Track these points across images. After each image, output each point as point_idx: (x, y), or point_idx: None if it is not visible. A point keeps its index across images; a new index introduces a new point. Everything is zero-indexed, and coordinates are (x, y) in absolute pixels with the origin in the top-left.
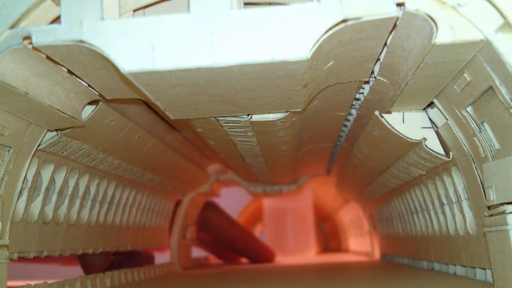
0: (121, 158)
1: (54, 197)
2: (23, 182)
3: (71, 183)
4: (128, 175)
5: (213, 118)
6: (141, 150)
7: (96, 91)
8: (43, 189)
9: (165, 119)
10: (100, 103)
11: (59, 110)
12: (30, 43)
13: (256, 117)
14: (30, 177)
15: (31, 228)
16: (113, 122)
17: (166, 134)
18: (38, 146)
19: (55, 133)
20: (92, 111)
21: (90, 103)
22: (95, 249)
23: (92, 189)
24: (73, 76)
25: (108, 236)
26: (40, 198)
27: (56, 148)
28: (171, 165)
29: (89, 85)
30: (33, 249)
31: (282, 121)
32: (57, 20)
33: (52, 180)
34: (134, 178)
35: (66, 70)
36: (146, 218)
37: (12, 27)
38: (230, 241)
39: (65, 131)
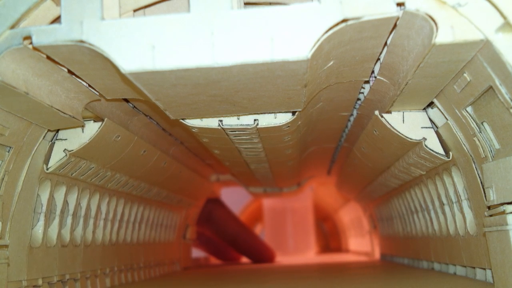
0: (128, 175)
1: (69, 219)
2: (38, 207)
3: (83, 203)
4: (135, 191)
5: (219, 128)
6: (147, 165)
7: (96, 91)
8: (58, 212)
9: (168, 131)
10: (106, 119)
11: (59, 110)
12: (31, 43)
13: (262, 123)
14: (44, 201)
15: (51, 252)
16: (119, 138)
17: (169, 146)
18: (48, 169)
19: (63, 153)
20: (98, 128)
21: (95, 120)
22: (111, 268)
23: (103, 208)
24: (73, 76)
25: (122, 254)
26: (56, 222)
27: (65, 169)
28: (176, 178)
29: (89, 85)
30: (56, 273)
31: (288, 126)
32: (57, 20)
33: (65, 202)
34: (142, 193)
35: (66, 70)
36: (156, 233)
37: (12, 27)
38: (232, 237)
39: (73, 151)
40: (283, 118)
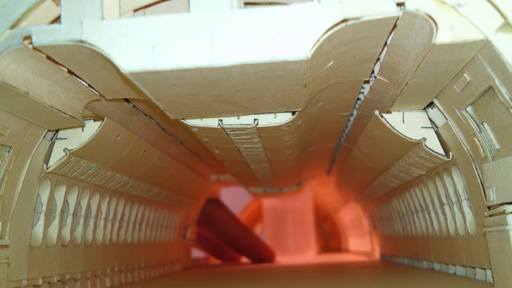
0: (128, 174)
1: (69, 219)
2: (38, 207)
3: (84, 203)
4: (136, 191)
5: (219, 127)
6: (147, 164)
7: (96, 91)
8: (58, 211)
9: (168, 131)
10: (106, 118)
11: (59, 110)
12: (31, 43)
13: (262, 123)
14: (44, 201)
15: (52, 252)
16: (119, 137)
17: (169, 146)
18: (48, 169)
19: (63, 153)
20: (98, 127)
21: (95, 119)
22: (111, 269)
23: (104, 208)
24: (74, 76)
25: (122, 254)
26: (56, 221)
27: (65, 169)
28: (176, 177)
29: (89, 85)
30: (56, 273)
31: (288, 125)
32: (57, 20)
33: (66, 202)
34: (142, 193)
35: (66, 70)
36: (156, 234)
37: (12, 27)
38: (232, 238)
39: (73, 150)
40: (283, 118)
